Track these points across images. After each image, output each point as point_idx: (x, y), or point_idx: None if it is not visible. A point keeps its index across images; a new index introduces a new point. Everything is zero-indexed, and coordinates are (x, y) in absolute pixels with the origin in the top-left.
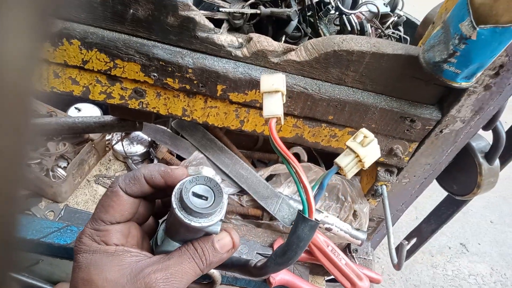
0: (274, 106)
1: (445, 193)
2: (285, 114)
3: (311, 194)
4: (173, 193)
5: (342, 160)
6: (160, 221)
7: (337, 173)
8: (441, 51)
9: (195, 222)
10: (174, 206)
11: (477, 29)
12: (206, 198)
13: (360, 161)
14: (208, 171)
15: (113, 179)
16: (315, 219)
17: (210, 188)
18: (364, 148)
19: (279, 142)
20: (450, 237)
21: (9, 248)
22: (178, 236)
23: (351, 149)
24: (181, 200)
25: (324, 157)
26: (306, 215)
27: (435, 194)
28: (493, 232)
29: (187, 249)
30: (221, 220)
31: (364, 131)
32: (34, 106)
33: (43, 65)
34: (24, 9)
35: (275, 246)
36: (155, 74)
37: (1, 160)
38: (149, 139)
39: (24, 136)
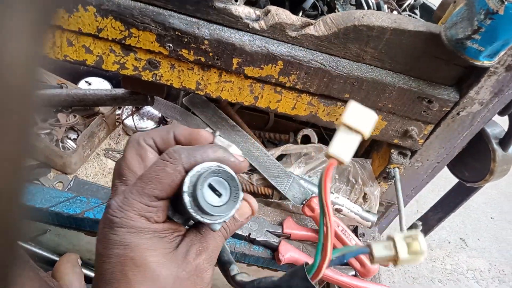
0: (346, 148)
1: (447, 188)
2: (300, 91)
3: (326, 264)
4: (189, 174)
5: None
6: None
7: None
8: (464, 28)
9: (199, 216)
10: (185, 189)
11: (506, 3)
12: (220, 195)
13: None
14: (236, 150)
15: (122, 153)
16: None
17: (229, 186)
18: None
19: (327, 193)
20: (450, 231)
21: (17, 217)
22: (181, 211)
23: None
24: (194, 187)
25: None
26: (309, 276)
27: (437, 188)
28: (493, 229)
29: None
30: (224, 221)
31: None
32: (35, 108)
33: (44, 66)
34: (26, 9)
35: (285, 226)
36: (170, 45)
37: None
38: (160, 115)
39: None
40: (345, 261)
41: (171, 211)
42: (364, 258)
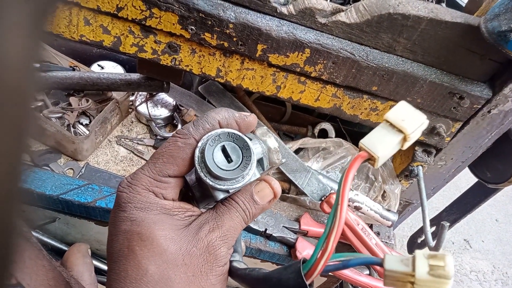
0: (382, 143)
1: (452, 189)
2: (325, 82)
3: (324, 260)
4: (204, 137)
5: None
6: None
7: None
8: (508, 20)
9: (203, 173)
10: (196, 161)
11: None
12: (230, 161)
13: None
14: (273, 142)
15: (135, 141)
16: (309, 285)
17: (242, 155)
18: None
19: (347, 184)
20: (454, 232)
21: (13, 198)
22: (206, 189)
23: None
24: (205, 144)
25: (353, 136)
26: (304, 272)
27: (442, 189)
28: (497, 231)
29: (232, 204)
30: (228, 191)
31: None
32: (34, 106)
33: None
34: (23, 7)
35: (302, 222)
36: (193, 28)
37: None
38: (174, 103)
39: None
40: (348, 267)
41: (198, 193)
42: None
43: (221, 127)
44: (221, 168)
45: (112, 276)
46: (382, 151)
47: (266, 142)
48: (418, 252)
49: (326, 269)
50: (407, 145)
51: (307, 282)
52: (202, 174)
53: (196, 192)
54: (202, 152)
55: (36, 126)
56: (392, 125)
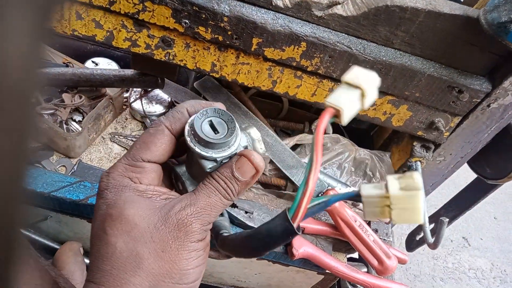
0: (344, 99)
1: (452, 187)
2: (322, 76)
3: (306, 199)
4: (187, 123)
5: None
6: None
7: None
8: (508, 10)
9: (193, 143)
10: (186, 133)
11: None
12: (217, 133)
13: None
14: (255, 133)
15: (129, 138)
16: (297, 229)
17: (225, 121)
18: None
19: (319, 137)
20: (452, 230)
21: (17, 202)
22: (195, 172)
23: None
24: (191, 124)
25: (350, 132)
26: (289, 215)
27: (440, 187)
28: (496, 229)
29: (210, 182)
30: (215, 161)
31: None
32: (36, 106)
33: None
34: (25, 8)
35: None
36: (187, 21)
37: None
38: (169, 99)
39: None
40: (329, 205)
41: (188, 181)
42: (382, 255)
43: (189, 115)
44: (208, 137)
45: (91, 259)
46: (344, 104)
47: (250, 133)
48: (389, 176)
49: (311, 211)
50: (367, 102)
51: (294, 225)
52: (191, 144)
53: (186, 180)
54: (191, 124)
55: (37, 127)
56: (349, 84)
